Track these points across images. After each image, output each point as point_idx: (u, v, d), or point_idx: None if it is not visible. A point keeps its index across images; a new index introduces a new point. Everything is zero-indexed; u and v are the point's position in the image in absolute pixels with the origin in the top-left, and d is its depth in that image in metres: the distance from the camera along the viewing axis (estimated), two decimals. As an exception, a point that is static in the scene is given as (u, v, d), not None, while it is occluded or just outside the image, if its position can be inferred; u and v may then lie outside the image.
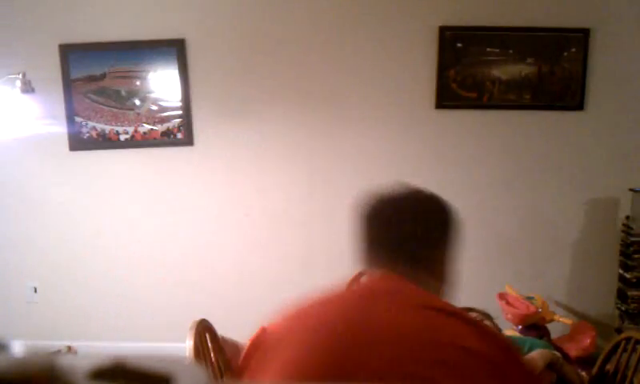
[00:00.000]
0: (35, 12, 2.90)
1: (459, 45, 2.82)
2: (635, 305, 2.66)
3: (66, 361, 0.32)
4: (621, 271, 2.77)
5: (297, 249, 3.06)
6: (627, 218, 2.78)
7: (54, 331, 3.15)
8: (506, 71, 2.83)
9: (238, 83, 2.94)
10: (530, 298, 2.61)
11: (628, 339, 1.58)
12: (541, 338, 2.39)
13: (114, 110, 2.96)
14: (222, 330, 1.67)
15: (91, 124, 2.98)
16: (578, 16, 2.79)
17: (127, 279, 3.13)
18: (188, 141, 2.98)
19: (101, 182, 3.06)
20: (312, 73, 2.91)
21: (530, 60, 2.82)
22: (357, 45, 2.88)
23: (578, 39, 2.79)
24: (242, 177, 3.03)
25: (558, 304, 2.97)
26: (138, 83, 2.94)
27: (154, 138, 2.98)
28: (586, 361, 2.37)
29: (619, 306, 2.77)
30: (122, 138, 2.99)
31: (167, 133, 2.98)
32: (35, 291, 3.17)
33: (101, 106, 2.96)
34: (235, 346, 1.67)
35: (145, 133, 2.98)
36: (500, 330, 1.62)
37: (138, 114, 2.96)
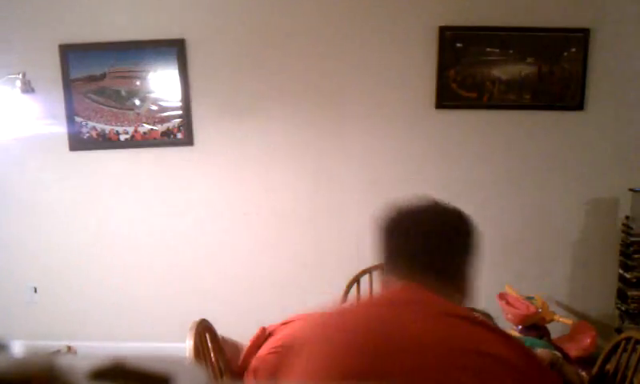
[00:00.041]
0: (35, 12, 2.90)
1: (459, 45, 2.82)
2: (635, 305, 2.66)
3: (65, 361, 0.32)
4: (621, 271, 2.77)
5: (298, 249, 3.06)
6: (627, 218, 2.78)
7: (54, 331, 3.16)
8: (506, 71, 2.83)
9: (237, 83, 2.94)
10: (530, 298, 2.62)
11: (628, 339, 1.58)
12: (541, 337, 2.39)
13: (114, 110, 2.96)
14: (222, 331, 1.67)
15: (91, 124, 2.98)
16: (578, 16, 2.79)
17: (127, 279, 3.13)
18: (188, 141, 2.98)
19: (101, 182, 3.06)
20: (312, 73, 2.91)
21: (529, 60, 2.82)
22: (357, 45, 2.88)
23: (578, 39, 2.79)
24: (242, 177, 3.03)
25: (558, 304, 2.97)
26: (137, 83, 2.94)
27: (154, 138, 2.98)
28: (586, 361, 2.37)
29: (619, 306, 2.77)
30: (122, 138, 2.99)
31: (167, 133, 2.98)
32: (35, 292, 3.17)
33: (101, 106, 2.96)
34: (235, 346, 1.67)
35: (145, 133, 2.98)
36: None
37: (138, 113, 2.96)
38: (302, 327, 0.94)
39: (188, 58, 2.90)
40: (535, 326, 2.55)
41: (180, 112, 2.95)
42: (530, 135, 2.92)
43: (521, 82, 2.84)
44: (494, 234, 2.98)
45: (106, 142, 2.99)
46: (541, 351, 1.48)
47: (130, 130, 2.98)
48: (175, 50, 2.89)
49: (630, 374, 1.53)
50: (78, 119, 2.98)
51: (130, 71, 2.92)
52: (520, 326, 2.48)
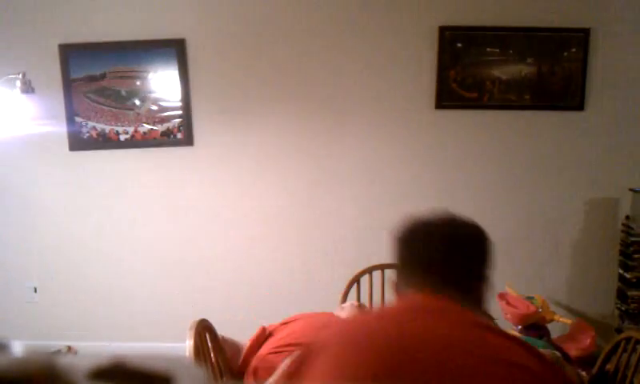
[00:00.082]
0: (35, 12, 2.90)
1: (459, 45, 2.82)
2: (635, 305, 2.66)
3: (65, 361, 0.32)
4: (621, 271, 2.77)
5: (297, 249, 3.06)
6: (627, 217, 2.78)
7: (54, 331, 3.16)
8: (506, 71, 2.83)
9: (238, 83, 2.94)
10: (530, 298, 2.62)
11: (628, 339, 1.58)
12: (541, 337, 2.39)
13: (114, 110, 2.96)
14: (222, 331, 1.67)
15: (91, 124, 2.98)
16: (578, 16, 2.79)
17: (127, 279, 3.13)
18: (188, 141, 2.98)
19: (101, 182, 3.06)
20: (312, 73, 2.92)
21: (529, 60, 2.82)
22: (357, 45, 2.88)
23: (578, 39, 2.79)
24: (241, 177, 3.03)
25: (558, 304, 2.97)
26: (138, 83, 2.94)
27: (154, 138, 2.98)
28: (586, 361, 2.37)
29: (619, 306, 2.76)
30: (122, 138, 2.99)
31: (167, 133, 2.98)
32: (35, 291, 3.17)
33: (101, 106, 2.96)
34: (235, 346, 1.67)
35: (145, 133, 2.98)
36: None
37: (138, 113, 2.96)
38: (330, 327, 0.95)
39: (188, 58, 2.90)
40: (535, 326, 2.54)
41: (180, 112, 2.95)
42: (530, 135, 2.92)
43: (521, 81, 2.84)
44: (493, 234, 2.96)
45: (106, 142, 2.99)
46: (541, 351, 1.48)
47: (130, 130, 2.98)
48: (175, 50, 2.89)
49: (630, 373, 1.53)
50: (77, 119, 2.98)
51: (129, 71, 2.92)
52: (520, 326, 2.48)
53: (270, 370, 1.26)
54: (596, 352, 2.40)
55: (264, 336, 1.67)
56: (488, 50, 2.82)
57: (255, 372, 1.52)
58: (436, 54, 2.84)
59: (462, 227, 0.99)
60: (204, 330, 1.54)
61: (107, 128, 2.98)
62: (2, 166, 3.07)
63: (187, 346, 1.43)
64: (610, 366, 1.63)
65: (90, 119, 2.97)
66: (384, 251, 2.80)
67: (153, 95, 2.94)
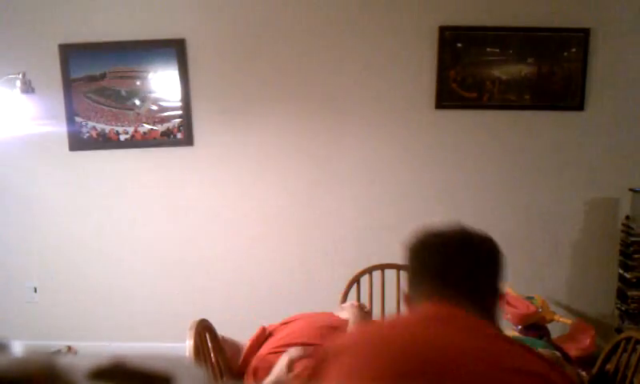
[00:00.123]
0: (35, 12, 2.90)
1: (459, 45, 2.82)
2: (635, 305, 2.66)
3: (65, 361, 0.32)
4: (621, 271, 2.77)
5: (297, 249, 3.06)
6: (627, 217, 2.78)
7: (54, 331, 3.16)
8: (506, 71, 2.83)
9: (238, 83, 2.94)
10: (530, 298, 2.62)
11: (628, 339, 1.58)
12: (541, 337, 2.39)
13: (114, 110, 2.96)
14: (222, 331, 1.67)
15: (91, 124, 2.98)
16: (578, 16, 2.79)
17: (127, 279, 3.13)
18: (188, 141, 2.98)
19: (101, 182, 3.06)
20: (312, 73, 2.92)
21: (530, 60, 2.82)
22: (357, 45, 2.88)
23: (578, 39, 2.79)
24: (241, 177, 3.03)
25: (558, 304, 2.97)
26: (138, 83, 2.94)
27: (154, 138, 2.98)
28: (586, 361, 2.37)
29: (619, 306, 2.76)
30: (122, 138, 2.99)
31: (167, 133, 2.98)
32: (35, 291, 3.17)
33: (101, 106, 2.96)
34: (235, 346, 1.67)
35: (145, 133, 2.98)
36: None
37: (138, 113, 2.96)
38: (349, 332, 0.96)
39: (188, 58, 2.90)
40: (535, 326, 2.55)
41: (180, 112, 2.95)
42: (530, 135, 2.92)
43: (521, 82, 2.84)
44: (493, 234, 2.97)
45: (106, 142, 2.99)
46: (541, 351, 1.48)
47: (130, 130, 2.98)
48: (175, 50, 2.89)
49: (629, 374, 1.53)
50: (77, 119, 2.98)
51: (129, 71, 2.92)
52: (520, 326, 2.48)
53: (270, 370, 1.26)
54: (596, 352, 2.41)
55: (264, 336, 1.67)
56: (488, 50, 2.82)
57: (255, 372, 1.52)
58: (436, 53, 2.84)
59: (476, 239, 1.00)
60: (204, 330, 1.54)
61: (107, 128, 2.98)
62: (2, 166, 3.07)
63: (187, 345, 1.43)
64: (609, 366, 1.63)
65: (89, 119, 2.97)
66: (384, 251, 2.81)
67: (153, 95, 2.94)
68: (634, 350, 1.54)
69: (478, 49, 2.82)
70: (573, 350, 2.47)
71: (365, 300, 2.12)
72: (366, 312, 1.74)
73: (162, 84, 2.93)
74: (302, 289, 3.04)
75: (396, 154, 2.97)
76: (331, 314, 1.77)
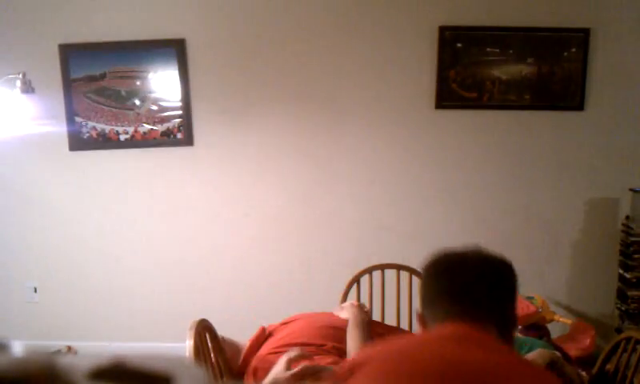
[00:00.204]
0: (35, 12, 2.90)
1: (459, 45, 2.82)
2: (635, 305, 2.66)
3: (65, 361, 0.32)
4: (621, 271, 2.77)
5: (297, 249, 3.06)
6: (627, 217, 2.78)
7: (54, 331, 3.15)
8: (506, 71, 2.83)
9: (238, 83, 2.94)
10: (530, 298, 2.62)
11: (628, 339, 1.58)
12: (541, 337, 2.39)
13: (114, 109, 2.96)
14: (222, 330, 1.67)
15: (91, 124, 2.98)
16: (578, 16, 2.79)
17: (127, 279, 3.13)
18: (188, 141, 2.98)
19: (101, 182, 3.06)
20: (312, 73, 2.92)
21: (530, 60, 2.82)
22: (357, 45, 2.88)
23: (578, 39, 2.79)
24: (241, 177, 3.03)
25: (558, 304, 2.97)
26: (138, 83, 2.94)
27: (154, 138, 2.98)
28: (585, 361, 2.37)
29: (619, 306, 2.76)
30: (122, 138, 2.99)
31: (167, 133, 2.98)
32: (35, 291, 3.17)
33: (101, 106, 2.96)
34: (235, 346, 1.67)
35: (145, 133, 2.98)
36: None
37: (138, 113, 2.96)
38: (372, 349, 0.98)
39: (188, 58, 2.90)
40: (535, 326, 2.55)
41: (180, 112, 2.95)
42: (530, 135, 2.92)
43: (521, 82, 2.84)
44: (493, 234, 2.98)
45: (106, 142, 2.99)
46: (541, 351, 1.48)
47: (130, 129, 2.98)
48: (175, 50, 2.89)
49: (629, 374, 1.53)
50: (77, 119, 2.98)
51: (129, 71, 2.92)
52: (520, 326, 2.48)
53: (270, 370, 1.26)
54: (596, 352, 2.41)
55: (264, 336, 1.67)
56: (488, 49, 2.82)
57: (255, 372, 1.52)
58: (436, 53, 2.84)
59: (494, 262, 1.01)
60: (204, 330, 1.54)
61: (107, 128, 2.98)
62: (2, 166, 3.06)
63: (187, 345, 1.43)
64: (609, 366, 1.63)
65: (90, 119, 2.97)
66: (384, 251, 2.81)
67: (153, 95, 2.94)
68: (634, 349, 1.54)
69: (478, 49, 2.82)
70: (573, 350, 2.47)
71: (365, 300, 2.12)
72: (365, 312, 1.74)
73: (162, 84, 2.93)
74: (301, 289, 3.04)
75: (396, 154, 2.97)
76: (331, 314, 1.77)
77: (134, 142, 2.99)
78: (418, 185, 2.99)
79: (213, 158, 3.01)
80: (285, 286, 3.07)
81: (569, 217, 2.97)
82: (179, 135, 2.98)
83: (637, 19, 2.79)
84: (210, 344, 1.56)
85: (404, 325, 2.15)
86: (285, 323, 1.73)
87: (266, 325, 1.75)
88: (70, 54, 2.91)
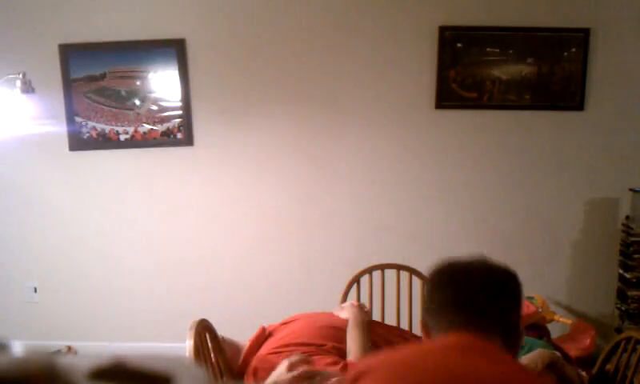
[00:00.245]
0: (35, 12, 2.90)
1: (459, 45, 2.82)
2: (635, 305, 2.66)
3: (65, 361, 0.32)
4: (621, 271, 2.77)
5: (297, 249, 3.06)
6: (627, 217, 2.78)
7: (54, 331, 3.16)
8: (506, 71, 2.83)
9: (238, 83, 2.94)
10: (530, 298, 2.62)
11: (628, 339, 1.58)
12: (541, 337, 2.39)
13: (114, 110, 2.96)
14: (222, 330, 1.67)
15: (91, 124, 2.98)
16: (578, 16, 2.79)
17: (127, 279, 3.13)
18: (188, 141, 2.98)
19: (101, 182, 3.06)
20: (312, 73, 2.92)
21: (530, 60, 2.82)
22: (357, 45, 2.88)
23: (578, 39, 2.79)
24: (241, 177, 3.03)
25: (558, 304, 2.97)
26: (138, 83, 2.94)
27: (154, 138, 2.98)
28: (585, 361, 2.37)
29: (619, 306, 2.76)
30: (122, 138, 2.99)
31: (167, 133, 2.98)
32: (35, 291, 3.17)
33: (101, 105, 2.96)
34: (235, 346, 1.67)
35: (145, 133, 2.98)
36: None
37: (138, 113, 2.96)
38: (373, 359, 0.98)
39: (188, 58, 2.90)
40: (535, 326, 2.55)
41: (180, 112, 2.95)
42: (530, 135, 2.92)
43: (521, 82, 2.84)
44: (493, 234, 2.99)
45: (106, 142, 2.99)
46: (541, 351, 1.48)
47: (130, 129, 2.98)
48: (175, 50, 2.89)
49: (629, 374, 1.53)
50: (78, 119, 2.98)
51: (129, 71, 2.92)
52: (520, 327, 2.48)
53: (270, 370, 1.26)
54: (596, 352, 2.41)
55: (264, 336, 1.67)
56: (488, 49, 2.82)
57: (255, 372, 1.52)
58: (436, 53, 2.84)
59: (499, 272, 1.01)
60: (204, 330, 1.54)
61: (107, 128, 2.98)
62: (2, 166, 3.06)
63: (187, 346, 1.43)
64: (609, 366, 1.63)
65: (90, 119, 2.97)
66: (384, 251, 2.81)
67: (153, 95, 2.94)
68: (634, 349, 1.55)
69: (478, 49, 2.82)
70: (573, 350, 2.47)
71: (365, 300, 2.12)
72: (365, 312, 1.74)
73: (162, 84, 2.93)
74: (301, 289, 3.04)
75: (396, 154, 2.97)
76: (331, 314, 1.77)
77: (134, 142, 2.99)
78: (417, 185, 2.99)
79: (213, 158, 3.01)
80: (285, 286, 3.07)
81: (569, 217, 2.97)
82: (179, 135, 2.98)
83: (637, 19, 2.79)
84: (210, 344, 1.56)
85: (404, 325, 2.15)
86: (285, 323, 1.72)
87: (266, 325, 1.74)
88: (70, 54, 2.91)
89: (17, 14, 2.90)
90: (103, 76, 2.93)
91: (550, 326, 2.69)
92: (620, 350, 1.60)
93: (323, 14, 2.86)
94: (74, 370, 0.31)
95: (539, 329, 2.55)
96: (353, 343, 1.53)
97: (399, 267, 2.26)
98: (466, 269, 1.01)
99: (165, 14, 2.89)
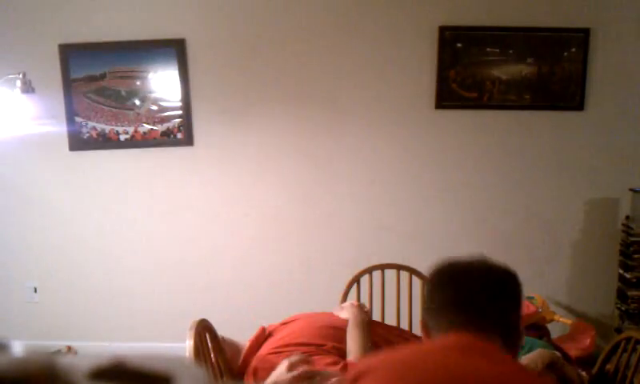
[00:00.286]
0: (35, 12, 2.90)
1: (459, 45, 2.82)
2: (635, 305, 2.66)
3: (65, 361, 0.32)
4: (621, 271, 2.77)
5: (297, 249, 3.06)
6: (627, 218, 2.78)
7: (54, 331, 3.16)
8: (506, 71, 2.83)
9: (238, 83, 2.94)
10: (530, 298, 2.62)
11: (628, 339, 1.58)
12: (541, 337, 2.39)
13: (114, 110, 2.96)
14: (222, 330, 1.67)
15: (91, 124, 2.98)
16: (578, 16, 2.79)
17: (127, 279, 3.13)
18: (188, 141, 2.98)
19: (101, 182, 3.06)
20: (312, 73, 2.92)
21: (529, 60, 2.82)
22: (357, 45, 2.88)
23: (578, 39, 2.79)
24: (241, 177, 3.03)
25: (558, 304, 2.97)
26: (138, 83, 2.94)
27: (154, 138, 2.98)
28: (585, 361, 2.37)
29: (619, 306, 2.76)
30: (122, 138, 2.99)
31: (167, 133, 2.98)
32: (35, 291, 3.17)
33: (101, 105, 2.96)
34: (235, 346, 1.67)
35: (145, 133, 2.98)
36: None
37: (138, 113, 2.96)
38: (374, 358, 0.98)
39: (188, 58, 2.90)
40: (535, 326, 2.55)
41: (180, 112, 2.95)
42: (530, 135, 2.92)
43: (521, 82, 2.84)
44: (493, 234, 2.99)
45: (106, 142, 2.99)
46: (541, 351, 1.48)
47: (130, 130, 2.98)
48: (175, 50, 2.89)
49: (629, 374, 1.53)
50: (78, 119, 2.98)
51: (129, 71, 2.92)
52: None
53: (270, 370, 1.26)
54: (596, 352, 2.41)
55: (264, 336, 1.67)
56: (488, 49, 2.82)
57: (255, 372, 1.52)
58: (436, 53, 2.84)
59: (499, 272, 1.01)
60: (204, 330, 1.54)
61: (107, 128, 2.98)
62: (2, 166, 3.06)
63: (187, 346, 1.43)
64: (609, 366, 1.63)
65: (90, 119, 2.97)
66: (384, 251, 2.81)
67: (153, 95, 2.94)
68: (634, 349, 1.55)
69: (478, 49, 2.82)
70: (573, 350, 2.47)
71: (365, 300, 2.12)
72: (365, 312, 1.74)
73: (162, 84, 2.93)
74: (301, 289, 3.04)
75: (396, 154, 2.97)
76: (331, 314, 1.77)
77: (134, 142, 2.99)
78: (417, 185, 2.99)
79: (213, 158, 3.01)
80: (285, 286, 3.07)
81: (569, 217, 2.97)
82: (179, 135, 2.98)
83: (637, 19, 2.79)
84: (210, 344, 1.56)
85: (404, 325, 2.15)
86: (285, 323, 1.72)
87: (266, 325, 1.75)
88: (70, 54, 2.91)
89: (17, 14, 2.90)
90: (103, 76, 2.93)
91: (550, 326, 2.69)
92: (620, 350, 1.60)
93: (323, 14, 2.86)
94: (74, 369, 0.31)
95: (539, 329, 2.55)
96: (353, 343, 1.53)
97: (399, 267, 2.26)
98: (465, 269, 1.01)
99: (165, 13, 2.89)
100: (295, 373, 1.15)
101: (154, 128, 2.97)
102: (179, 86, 2.92)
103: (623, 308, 2.72)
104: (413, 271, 2.24)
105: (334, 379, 1.18)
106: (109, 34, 2.89)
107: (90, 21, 2.89)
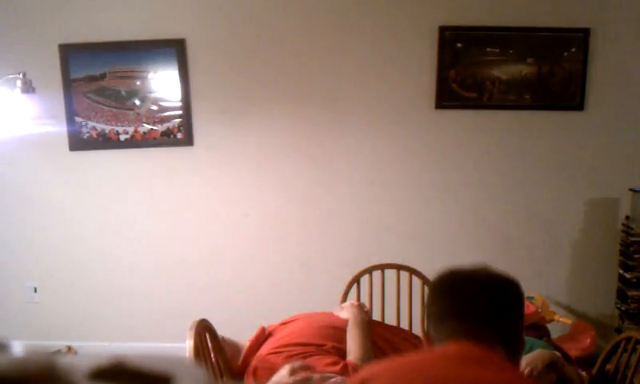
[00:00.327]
0: (35, 12, 2.90)
1: (459, 45, 2.82)
2: (635, 305, 2.66)
3: (65, 361, 0.32)
4: (621, 271, 2.77)
5: (297, 249, 3.06)
6: (627, 218, 2.78)
7: (54, 331, 3.15)
8: (506, 71, 2.83)
9: (238, 83, 2.94)
10: (530, 298, 2.62)
11: (628, 339, 1.58)
12: (541, 338, 2.39)
13: (114, 110, 2.96)
14: (222, 330, 1.67)
15: (91, 124, 2.98)
16: (578, 16, 2.79)
17: (127, 279, 3.13)
18: (188, 141, 2.98)
19: (101, 182, 3.06)
20: (312, 73, 2.91)
21: (529, 60, 2.82)
22: (357, 45, 2.88)
23: (578, 39, 2.79)
24: (241, 177, 3.03)
25: (558, 304, 2.97)
26: (138, 83, 2.94)
27: (154, 138, 2.98)
28: (585, 361, 2.37)
29: (619, 306, 2.76)
30: (122, 138, 2.99)
31: (167, 133, 2.98)
32: (35, 291, 3.17)
33: (101, 105, 2.96)
34: (235, 346, 1.67)
35: (145, 133, 2.98)
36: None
37: (138, 114, 2.96)
38: (378, 365, 0.98)
39: (188, 58, 2.90)
40: (535, 326, 2.55)
41: (180, 112, 2.95)
42: (530, 135, 2.92)
43: (521, 82, 2.84)
44: (493, 234, 2.98)
45: (106, 142, 2.99)
46: (541, 351, 1.48)
47: (130, 130, 2.98)
48: (175, 50, 2.89)
49: (629, 374, 1.53)
50: (78, 119, 2.98)
51: (129, 71, 2.92)
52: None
53: (270, 370, 1.26)
54: (596, 352, 2.41)
55: (264, 336, 1.67)
56: (488, 49, 2.82)
57: (255, 372, 1.52)
58: (436, 53, 2.84)
59: (501, 281, 1.01)
60: (204, 330, 1.55)
61: (107, 128, 2.98)
62: (2, 166, 3.06)
63: (187, 346, 1.43)
64: (609, 366, 1.63)
65: (90, 119, 2.97)
66: (384, 251, 2.81)
67: (153, 95, 2.94)
68: (634, 349, 1.55)
69: (478, 49, 2.82)
70: (573, 350, 2.47)
71: (365, 300, 2.12)
72: (365, 312, 1.74)
73: (162, 84, 2.93)
74: (301, 289, 3.04)
75: (396, 154, 2.97)
76: (331, 314, 1.77)
77: (134, 142, 2.99)
78: (417, 185, 2.99)
79: (213, 158, 3.01)
80: (285, 286, 3.07)
81: (569, 217, 2.97)
82: (179, 135, 2.98)
83: (637, 19, 2.79)
84: (210, 344, 1.56)
85: (404, 325, 2.15)
86: (285, 323, 1.73)
87: (265, 325, 1.75)
88: (70, 53, 2.91)
89: (17, 14, 2.90)
90: (103, 76, 2.93)
91: (550, 326, 2.69)
92: (620, 350, 1.60)
93: (323, 13, 2.86)
94: (74, 369, 0.31)
95: (539, 329, 2.55)
96: (353, 343, 1.53)
97: (399, 267, 2.26)
98: (467, 278, 1.01)
99: (165, 14, 2.89)
100: (297, 378, 1.15)
101: (154, 128, 2.97)
102: (179, 86, 2.92)
103: (623, 308, 2.72)
104: (413, 271, 2.24)
105: (333, 380, 1.18)
106: (109, 34, 2.89)
107: (90, 21, 2.89)
